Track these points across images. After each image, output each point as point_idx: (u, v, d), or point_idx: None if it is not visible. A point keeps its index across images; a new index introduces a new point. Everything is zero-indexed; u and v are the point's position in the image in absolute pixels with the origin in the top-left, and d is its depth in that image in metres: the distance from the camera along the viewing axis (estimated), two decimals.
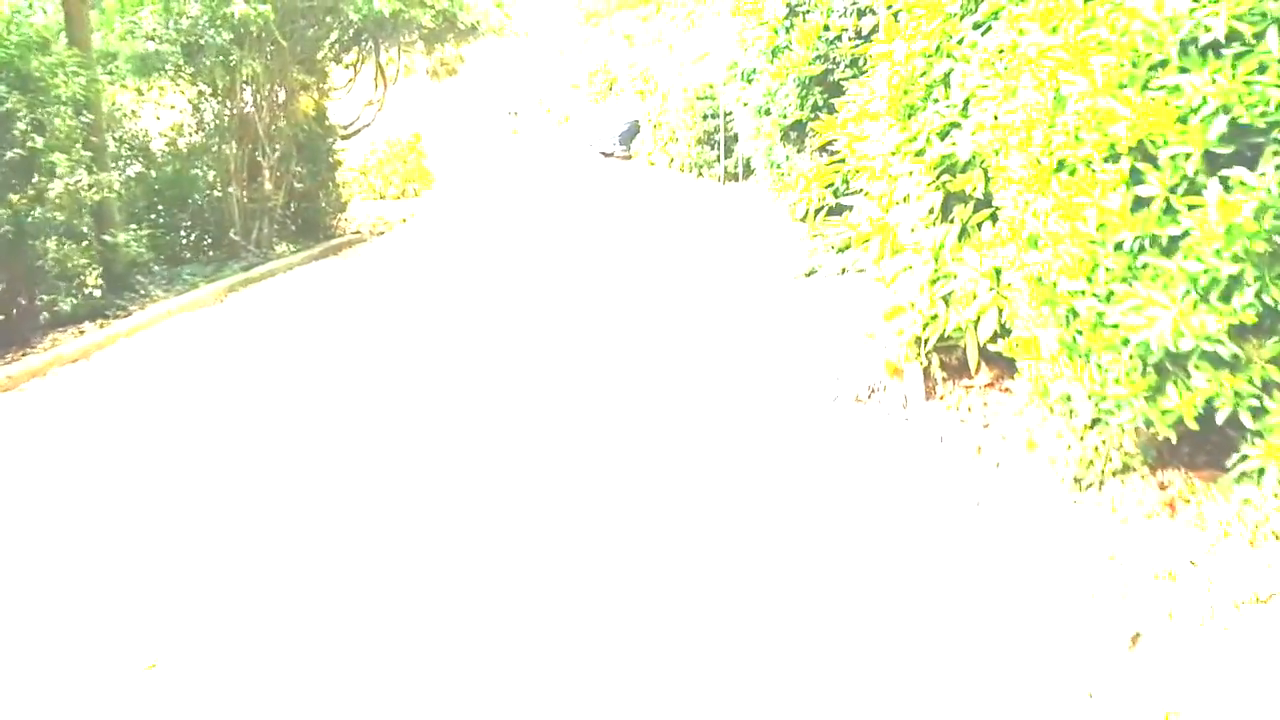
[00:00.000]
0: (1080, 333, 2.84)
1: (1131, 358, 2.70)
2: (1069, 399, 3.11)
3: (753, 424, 4.99)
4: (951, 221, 4.28)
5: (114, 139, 10.60)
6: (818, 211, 7.75)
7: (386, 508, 4.19)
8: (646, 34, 26.09)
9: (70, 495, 4.57)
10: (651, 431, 4.96)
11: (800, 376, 5.71)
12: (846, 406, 5.14)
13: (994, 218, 4.16)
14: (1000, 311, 3.98)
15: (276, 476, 4.62)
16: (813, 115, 9.11)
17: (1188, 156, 2.46)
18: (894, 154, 4.64)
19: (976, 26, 4.44)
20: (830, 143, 6.20)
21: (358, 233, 13.90)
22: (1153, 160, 2.57)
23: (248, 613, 3.38)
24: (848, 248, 9.55)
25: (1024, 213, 3.00)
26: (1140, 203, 2.61)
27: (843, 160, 6.83)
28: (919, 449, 4.37)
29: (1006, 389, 4.43)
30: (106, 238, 8.62)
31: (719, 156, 19.58)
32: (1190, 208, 2.48)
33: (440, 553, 3.74)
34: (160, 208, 10.98)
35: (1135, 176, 2.60)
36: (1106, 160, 2.64)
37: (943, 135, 4.32)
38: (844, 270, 9.05)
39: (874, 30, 8.54)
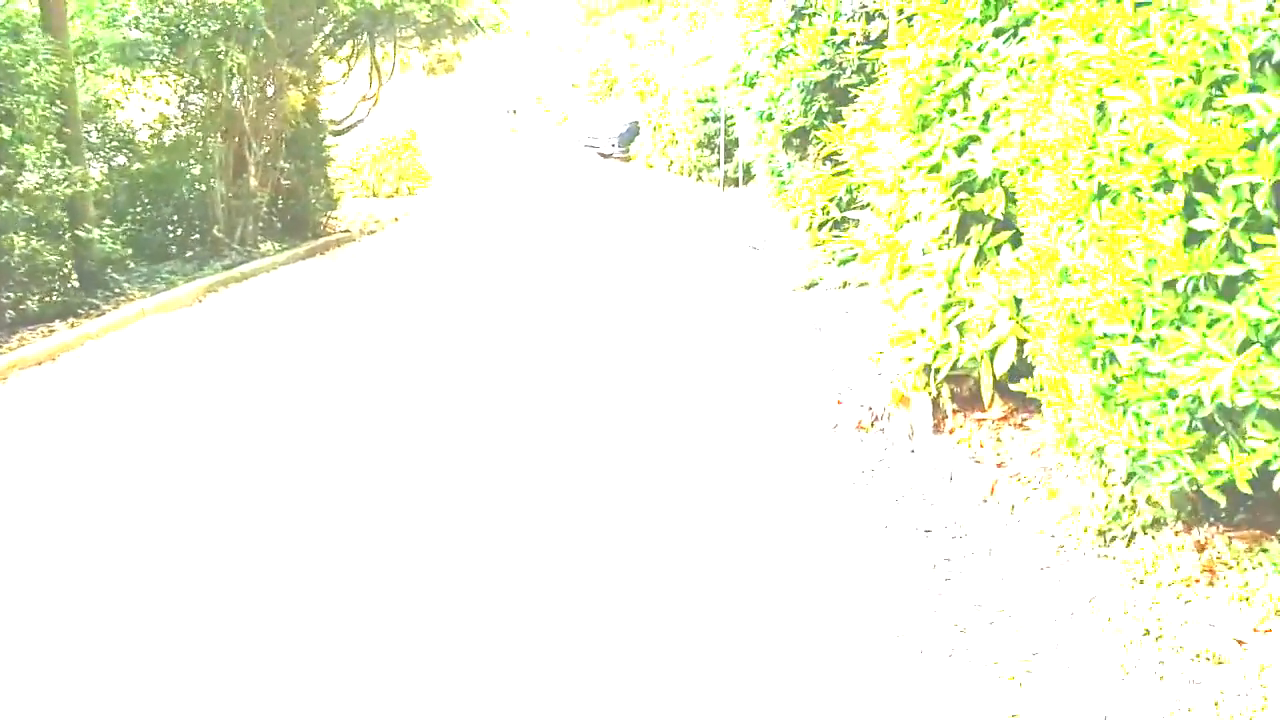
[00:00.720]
0: (1119, 380, 2.53)
1: (1179, 410, 2.38)
2: (1101, 451, 2.79)
3: (747, 451, 4.67)
4: (968, 243, 3.96)
5: (96, 130, 10.27)
6: (822, 225, 7.43)
7: (354, 526, 3.86)
8: (648, 34, 25.76)
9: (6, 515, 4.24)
10: (639, 456, 4.64)
11: (799, 399, 5.39)
12: (848, 435, 4.82)
13: (1014, 241, 3.85)
14: (1020, 344, 3.66)
15: (233, 499, 4.29)
16: (817, 122, 8.80)
17: (1254, 188, 2.14)
18: (906, 168, 4.32)
19: (998, 34, 4.13)
20: (836, 153, 5.88)
21: (347, 231, 13.55)
22: (1211, 190, 2.26)
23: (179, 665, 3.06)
24: (850, 260, 9.25)
25: (1056, 241, 2.68)
26: (1195, 237, 2.29)
27: (848, 172, 6.53)
28: (926, 486, 4.05)
29: (1022, 424, 4.11)
30: (80, 233, 8.29)
31: (719, 160, 19.26)
32: (1255, 246, 2.17)
33: (421, 605, 3.42)
34: (146, 201, 10.63)
35: (1190, 208, 2.29)
36: (1157, 188, 2.32)
37: (960, 150, 4.00)
38: (845, 284, 8.74)
39: (883, 35, 8.23)
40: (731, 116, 18.08)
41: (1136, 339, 2.42)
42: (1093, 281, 2.50)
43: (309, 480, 4.47)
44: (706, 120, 19.72)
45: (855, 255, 8.25)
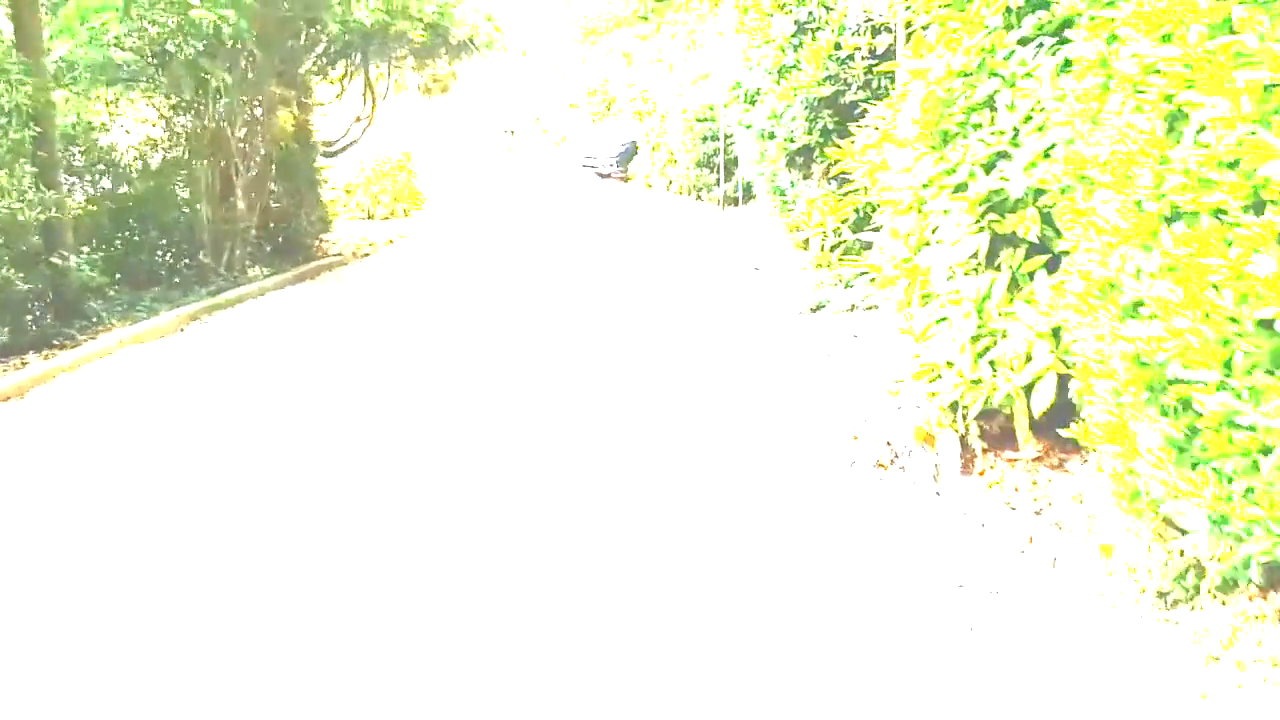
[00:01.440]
0: (1198, 431, 2.18)
1: (1275, 469, 2.03)
2: (1165, 508, 2.44)
3: (760, 489, 4.31)
4: (998, 268, 3.62)
5: (80, 153, 9.96)
6: (833, 248, 7.09)
7: (321, 584, 3.50)
8: (646, 53, 25.55)
9: None
10: (644, 500, 4.28)
11: (811, 433, 5.04)
12: (866, 473, 4.46)
13: (1049, 266, 3.51)
14: (1061, 380, 3.32)
15: (190, 548, 3.93)
16: (822, 140, 8.49)
17: None
18: (926, 186, 3.99)
19: (1024, 42, 3.81)
20: (846, 171, 5.55)
21: (339, 255, 13.23)
22: None
23: None
24: (859, 278, 8.91)
25: (1120, 270, 2.33)
26: None
27: (860, 191, 6.20)
28: (955, 534, 3.69)
29: (1060, 465, 3.76)
30: (56, 261, 7.96)
31: (719, 180, 19.00)
32: None
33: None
34: (134, 226, 10.30)
35: None
36: (1248, 209, 1.98)
37: (988, 167, 3.66)
38: (853, 306, 8.40)
39: (889, 50, 7.93)
40: (730, 135, 17.83)
41: (1222, 386, 2.07)
42: (1165, 317, 2.16)
43: (279, 531, 4.12)
44: (705, 139, 19.49)
45: (863, 277, 7.94)
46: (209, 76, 9.66)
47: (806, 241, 8.15)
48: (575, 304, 9.22)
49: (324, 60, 14.72)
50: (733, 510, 4.11)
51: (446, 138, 33.37)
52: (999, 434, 3.95)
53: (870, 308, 8.32)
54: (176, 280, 10.24)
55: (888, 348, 6.55)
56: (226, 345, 7.87)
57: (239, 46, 9.99)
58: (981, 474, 3.92)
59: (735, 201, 18.54)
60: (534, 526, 4.03)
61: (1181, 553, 2.87)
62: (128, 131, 10.70)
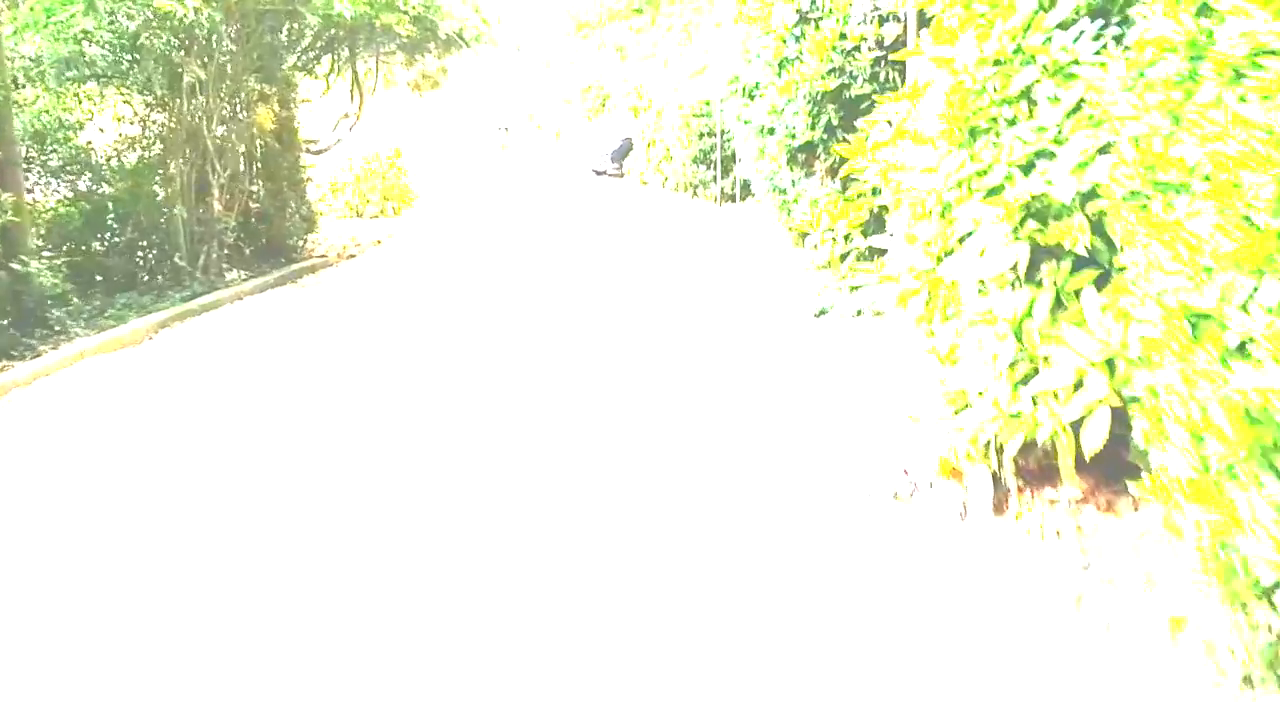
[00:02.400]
0: None
1: None
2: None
3: (763, 524, 3.86)
4: (1039, 284, 3.17)
5: (53, 152, 9.50)
6: (844, 256, 6.63)
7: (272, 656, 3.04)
8: (641, 48, 25.08)
9: None
10: (635, 536, 3.83)
11: (819, 457, 4.59)
12: (882, 507, 4.02)
13: (1098, 282, 3.06)
14: (1117, 415, 2.87)
15: (132, 584, 3.47)
16: (826, 136, 8.04)
17: None
18: (956, 188, 3.53)
19: (1065, 26, 3.36)
20: (854, 171, 5.09)
21: (323, 256, 12.76)
22: None
23: None
24: (859, 289, 8.47)
25: (1222, 301, 1.88)
26: None
27: (869, 192, 5.75)
28: (988, 588, 3.24)
29: (1110, 506, 3.31)
30: (15, 267, 7.50)
31: (715, 176, 18.59)
32: None
33: None
34: (109, 226, 9.85)
35: None
36: None
37: (1026, 168, 3.21)
38: (859, 312, 7.96)
39: (898, 40, 7.48)
40: (728, 131, 17.40)
41: None
42: None
43: (234, 571, 3.66)
44: (702, 135, 19.09)
45: (870, 280, 7.49)
46: (182, 71, 9.18)
47: (819, 255, 7.67)
48: (566, 310, 8.76)
49: (309, 56, 14.25)
50: (730, 550, 3.66)
51: (439, 135, 32.88)
52: (1037, 470, 3.50)
53: (878, 314, 7.88)
54: (151, 284, 9.80)
55: (901, 360, 6.11)
56: (195, 356, 7.40)
57: (214, 41, 9.51)
58: (1018, 516, 3.47)
59: (732, 198, 18.13)
60: (523, 566, 3.58)
61: (1270, 628, 2.42)
62: (102, 130, 10.24)
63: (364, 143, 19.23)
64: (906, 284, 3.90)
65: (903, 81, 7.44)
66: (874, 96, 7.62)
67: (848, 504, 4.03)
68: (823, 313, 8.19)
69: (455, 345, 7.40)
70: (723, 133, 17.80)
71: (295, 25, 11.86)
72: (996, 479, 3.59)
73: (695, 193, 19.55)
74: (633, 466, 4.62)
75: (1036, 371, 3.13)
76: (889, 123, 4.87)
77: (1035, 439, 3.18)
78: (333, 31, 13.27)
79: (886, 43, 7.44)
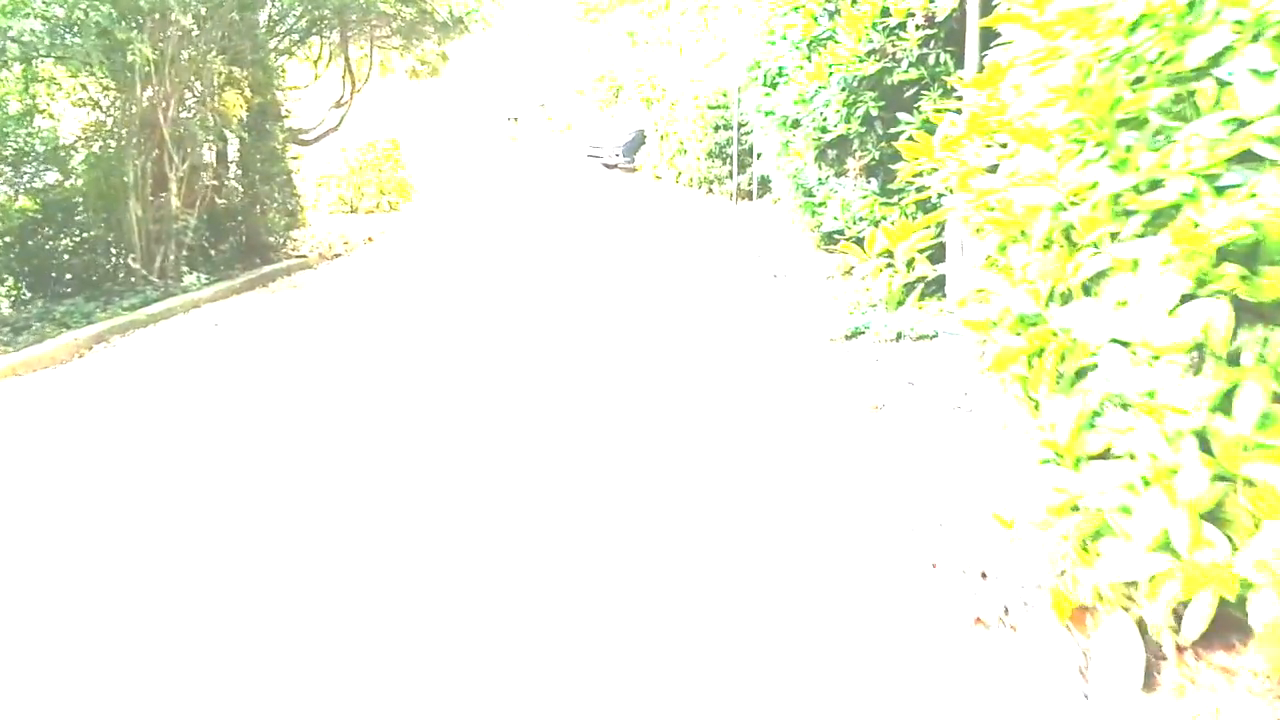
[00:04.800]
0: None
1: None
2: None
3: (779, 652, 2.74)
4: (1238, 363, 2.04)
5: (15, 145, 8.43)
6: (909, 287, 5.48)
7: None
8: (653, 32, 23.89)
9: None
10: (627, 641, 2.73)
11: (861, 543, 3.47)
12: (958, 636, 2.90)
13: None
14: None
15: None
16: (862, 129, 6.90)
17: None
18: (1093, 207, 2.41)
19: None
20: (910, 175, 3.95)
21: (302, 257, 11.67)
22: None
23: None
24: (900, 304, 7.36)
25: None
26: None
27: (925, 201, 4.61)
28: None
29: None
30: None
31: (731, 172, 17.47)
32: None
33: None
34: (57, 225, 8.81)
35: None
36: None
37: (1215, 181, 2.08)
38: (899, 335, 6.84)
39: (952, 16, 6.34)
40: (745, 124, 16.28)
41: None
42: None
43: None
44: (718, 128, 17.99)
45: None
46: (128, 51, 8.08)
47: (877, 284, 6.50)
48: (567, 323, 7.64)
49: (293, 38, 13.15)
50: (749, 687, 2.55)
51: (445, 126, 31.76)
52: (1208, 629, 2.37)
53: (921, 338, 6.75)
54: (102, 289, 8.75)
55: (964, 405, 4.97)
56: (123, 382, 6.31)
57: (171, 16, 8.41)
58: (1179, 692, 2.35)
59: (749, 195, 17.02)
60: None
61: None
62: (50, 116, 9.16)
63: (362, 133, 18.16)
64: (1006, 341, 2.76)
65: (957, 64, 6.30)
66: (922, 83, 6.50)
67: (909, 626, 2.91)
68: (855, 334, 7.06)
69: (444, 361, 6.29)
70: (739, 126, 16.69)
71: (273, 2, 10.74)
72: (1144, 630, 2.46)
73: (710, 189, 18.44)
74: (633, 549, 3.50)
75: (1234, 495, 2.00)
76: (957, 110, 3.74)
77: (1228, 595, 2.06)
78: (316, 11, 12.14)
79: (939, 18, 6.30)
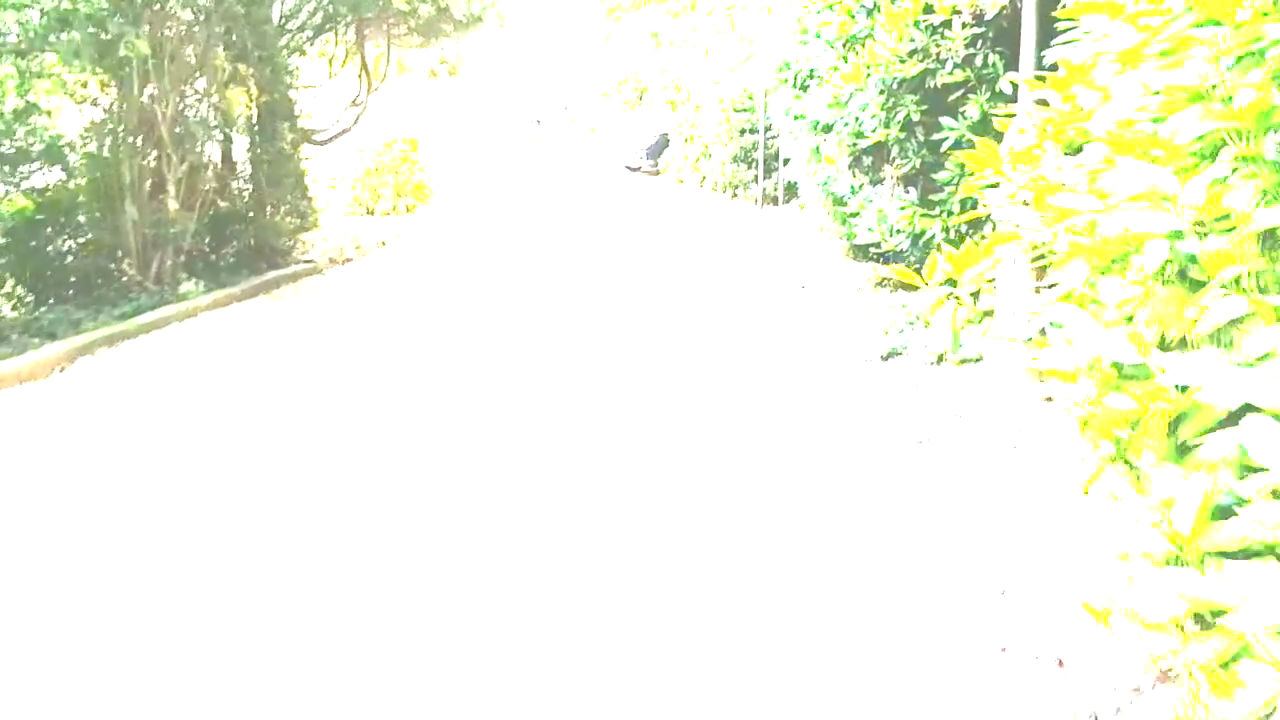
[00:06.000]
0: None
1: None
2: None
3: None
4: None
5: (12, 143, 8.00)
6: (966, 323, 4.96)
7: None
8: (678, 32, 23.38)
9: None
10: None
11: (919, 627, 2.95)
12: None
13: None
14: None
15: None
16: (902, 135, 6.37)
17: None
18: (1237, 241, 1.88)
19: None
20: (972, 189, 3.43)
21: (311, 262, 11.22)
22: None
23: None
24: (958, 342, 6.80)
25: None
26: None
27: (980, 217, 4.08)
28: None
29: None
30: None
31: (757, 176, 16.95)
32: None
33: None
34: (58, 228, 8.41)
35: None
36: None
37: None
38: (941, 357, 6.31)
39: (1003, 14, 5.80)
40: (771, 127, 15.78)
41: None
42: None
43: None
44: (743, 132, 17.49)
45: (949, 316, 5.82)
46: (121, 45, 7.64)
47: (918, 309, 5.98)
48: (584, 343, 7.14)
49: (306, 34, 12.72)
50: None
51: (466, 127, 31.36)
52: None
53: (966, 360, 6.21)
54: (96, 296, 8.33)
55: (1026, 448, 4.43)
56: (102, 403, 5.86)
57: (164, 7, 7.98)
58: None
59: (775, 200, 16.52)
60: None
61: None
62: (47, 114, 8.74)
63: (379, 134, 17.75)
64: (1115, 402, 2.23)
65: (1007, 66, 5.76)
66: (968, 85, 5.97)
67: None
68: (892, 354, 6.55)
69: (439, 388, 5.80)
70: (766, 129, 16.18)
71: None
72: None
73: (735, 194, 17.94)
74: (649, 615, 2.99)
75: None
76: (1027, 115, 3.21)
77: None
78: (331, 7, 11.71)
79: (988, 15, 5.76)
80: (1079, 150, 3.01)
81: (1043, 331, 5.04)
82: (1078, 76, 3.02)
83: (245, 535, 3.80)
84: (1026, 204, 3.40)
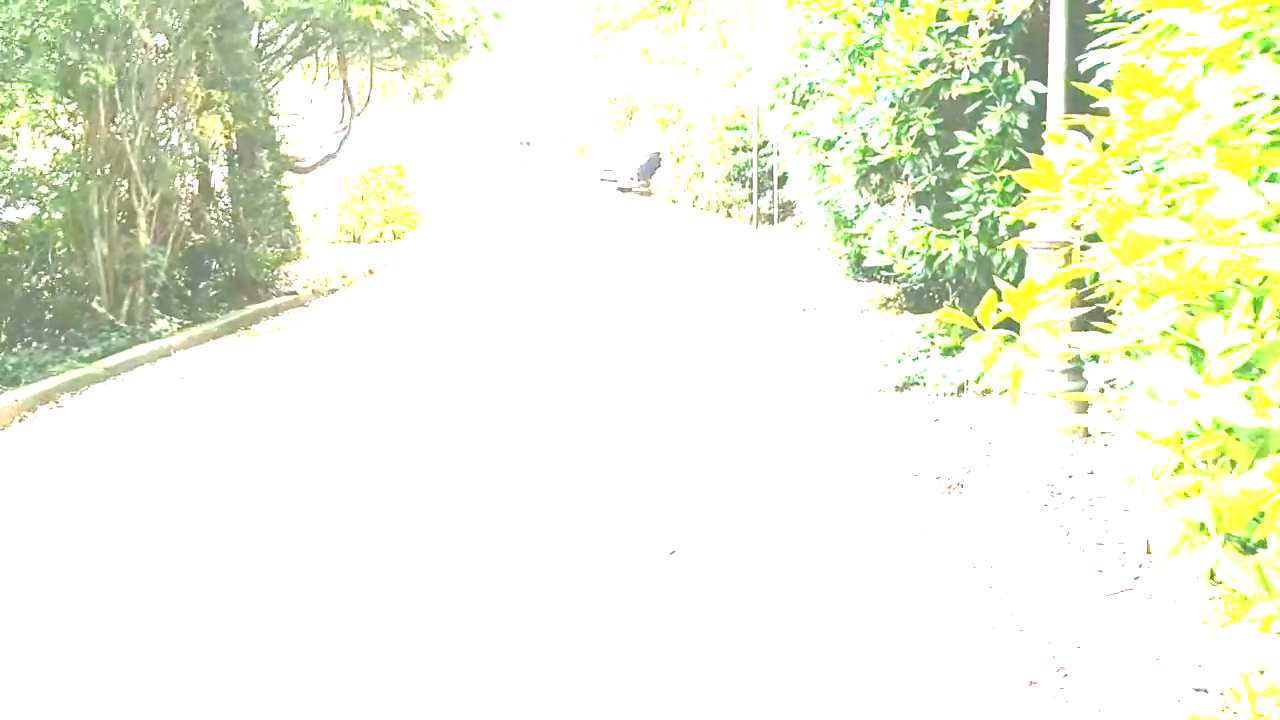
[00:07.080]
0: None
1: None
2: None
3: None
4: None
5: None
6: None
7: None
8: (668, 50, 23.05)
9: None
10: None
11: (945, 694, 2.52)
12: None
13: None
14: None
15: None
16: (915, 151, 5.97)
17: None
18: None
19: None
20: (1025, 210, 3.02)
21: (293, 294, 10.78)
22: None
23: None
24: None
25: None
26: None
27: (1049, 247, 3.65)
28: None
29: None
30: None
31: (751, 195, 16.57)
32: None
33: None
34: (25, 265, 7.96)
35: None
36: None
37: None
38: (962, 387, 5.90)
39: (1023, 19, 5.41)
40: (765, 144, 15.44)
41: None
42: None
43: None
44: (736, 150, 17.14)
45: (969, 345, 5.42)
46: (83, 72, 7.22)
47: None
48: (578, 377, 6.71)
49: (285, 59, 12.35)
50: None
51: (454, 150, 31.00)
52: None
53: (988, 391, 5.80)
54: (65, 336, 7.88)
55: (1070, 494, 4.00)
56: (67, 453, 5.41)
57: (131, 34, 7.56)
58: None
59: (770, 219, 16.17)
60: None
61: None
62: (13, 146, 8.31)
63: (365, 159, 17.35)
64: (1233, 494, 1.80)
65: (1030, 75, 5.37)
66: (986, 96, 5.57)
67: None
68: (908, 384, 6.14)
69: (424, 431, 5.37)
70: (759, 147, 15.83)
71: (254, 19, 9.91)
72: None
73: (728, 213, 17.57)
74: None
75: None
76: (1084, 124, 2.80)
77: None
78: (307, 29, 11.33)
79: (1007, 21, 5.37)
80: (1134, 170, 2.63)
81: (1111, 382, 4.62)
82: (1145, 83, 2.61)
83: (204, 608, 3.35)
84: (1078, 228, 3.00)
